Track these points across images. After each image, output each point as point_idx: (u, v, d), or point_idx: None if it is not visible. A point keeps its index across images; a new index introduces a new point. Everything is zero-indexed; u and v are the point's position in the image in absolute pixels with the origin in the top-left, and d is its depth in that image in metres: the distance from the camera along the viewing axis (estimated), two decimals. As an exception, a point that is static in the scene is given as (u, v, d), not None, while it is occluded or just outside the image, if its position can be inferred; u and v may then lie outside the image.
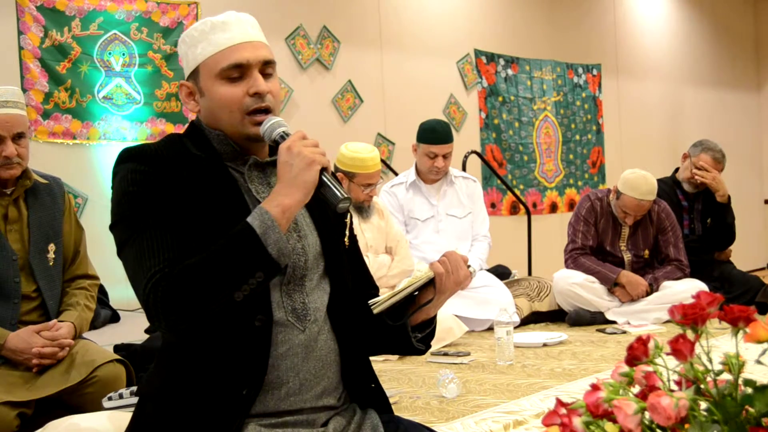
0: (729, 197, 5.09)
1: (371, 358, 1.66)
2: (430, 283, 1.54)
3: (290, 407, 1.47)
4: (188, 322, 1.37)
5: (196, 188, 1.47)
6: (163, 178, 1.45)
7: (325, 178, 1.44)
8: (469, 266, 4.56)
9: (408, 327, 1.56)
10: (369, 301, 1.51)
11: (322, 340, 1.51)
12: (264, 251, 1.36)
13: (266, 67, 1.54)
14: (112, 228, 1.48)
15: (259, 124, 1.51)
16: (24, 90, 4.58)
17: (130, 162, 1.48)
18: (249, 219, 1.38)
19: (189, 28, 1.58)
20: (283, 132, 1.50)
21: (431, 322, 1.60)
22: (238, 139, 1.54)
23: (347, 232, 1.64)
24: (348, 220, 1.66)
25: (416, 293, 1.56)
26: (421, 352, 1.60)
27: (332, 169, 1.45)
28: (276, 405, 1.46)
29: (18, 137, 2.57)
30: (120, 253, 1.47)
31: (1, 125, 2.53)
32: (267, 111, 1.52)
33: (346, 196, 1.43)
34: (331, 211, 1.57)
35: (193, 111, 1.59)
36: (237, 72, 1.51)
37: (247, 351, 1.43)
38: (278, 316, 1.47)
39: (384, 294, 1.52)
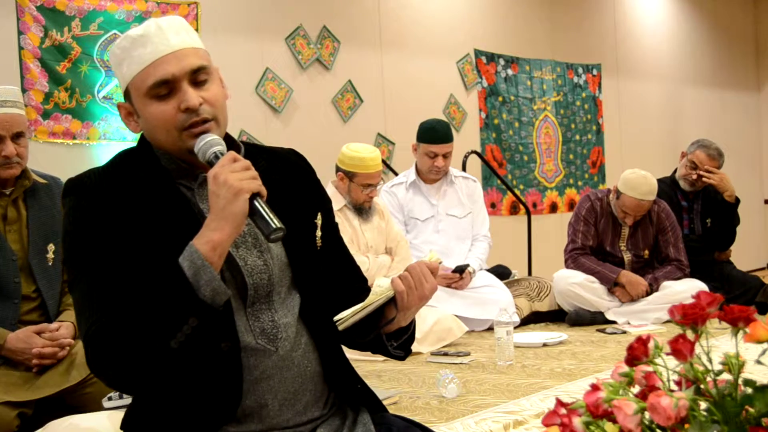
0: (737, 198, 5.09)
1: (360, 359, 1.62)
2: (393, 300, 1.46)
3: (273, 427, 1.43)
4: (125, 372, 1.33)
5: (145, 211, 1.40)
6: (102, 212, 1.38)
7: (257, 205, 1.33)
8: (467, 266, 4.56)
9: (382, 337, 1.49)
10: (334, 318, 1.45)
11: (299, 356, 1.46)
12: (194, 296, 1.29)
13: (197, 75, 1.44)
14: (63, 264, 1.47)
15: (199, 136, 1.42)
16: (24, 90, 4.57)
17: (71, 196, 1.42)
18: (180, 259, 1.31)
19: (116, 44, 1.47)
20: (217, 152, 1.39)
21: (408, 329, 1.52)
22: (182, 156, 1.45)
23: (318, 232, 1.56)
24: (318, 220, 1.57)
25: (384, 304, 1.48)
26: (401, 358, 1.55)
27: (265, 194, 1.36)
28: (258, 428, 1.42)
29: (17, 137, 2.57)
30: (71, 293, 1.43)
31: (0, 125, 2.53)
32: (206, 121, 1.42)
33: (278, 226, 1.33)
34: (300, 211, 1.51)
35: (134, 131, 1.52)
36: (164, 89, 1.41)
37: (219, 378, 1.38)
38: (247, 341, 1.41)
39: (347, 311, 1.45)
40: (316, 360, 1.49)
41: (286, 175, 1.55)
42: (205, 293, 1.29)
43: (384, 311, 1.49)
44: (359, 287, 1.60)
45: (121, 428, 1.51)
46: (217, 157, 1.38)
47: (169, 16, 1.49)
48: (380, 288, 1.45)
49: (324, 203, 1.62)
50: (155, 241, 1.37)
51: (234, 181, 1.32)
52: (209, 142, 1.41)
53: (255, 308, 1.44)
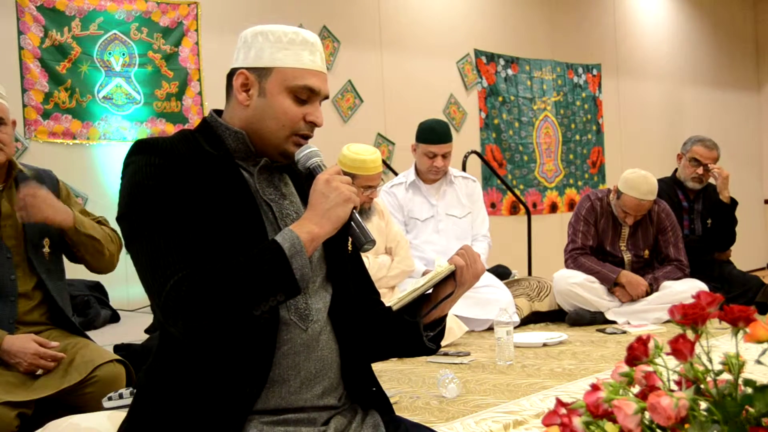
0: (734, 200, 5.09)
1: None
2: (450, 277, 1.58)
3: (291, 405, 1.47)
4: (205, 329, 1.37)
5: (208, 186, 1.47)
6: (177, 173, 1.44)
7: (356, 216, 1.49)
8: None
9: (420, 326, 1.59)
10: (392, 301, 1.55)
11: (324, 341, 1.52)
12: (290, 273, 1.38)
13: (323, 101, 1.60)
14: (120, 219, 1.45)
15: (299, 145, 1.56)
16: (24, 90, 4.58)
17: (144, 154, 1.46)
18: (279, 239, 1.40)
19: (276, 28, 1.57)
20: (320, 162, 1.56)
21: (441, 321, 1.63)
22: (268, 148, 1.56)
23: (350, 238, 1.66)
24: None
25: (431, 291, 1.60)
26: (432, 352, 1.62)
27: (358, 208, 1.49)
28: (277, 403, 1.46)
29: (0, 122, 2.57)
30: (130, 246, 1.44)
31: None
32: (307, 138, 1.58)
33: (371, 239, 1.48)
34: None
35: (240, 101, 1.56)
36: (306, 95, 1.55)
37: (252, 347, 1.44)
38: (281, 315, 1.48)
39: (404, 293, 1.57)
40: (337, 352, 1.56)
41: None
42: (297, 275, 1.39)
43: (434, 294, 1.62)
44: (375, 300, 1.69)
45: (134, 387, 1.53)
46: (318, 166, 1.55)
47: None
48: (441, 266, 1.58)
49: None
50: (216, 212, 1.45)
51: (345, 190, 1.47)
52: (313, 152, 1.57)
53: None
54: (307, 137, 1.57)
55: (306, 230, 1.42)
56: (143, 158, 1.45)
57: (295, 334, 1.48)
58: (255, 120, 1.55)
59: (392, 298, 1.56)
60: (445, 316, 1.64)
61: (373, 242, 1.48)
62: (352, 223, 1.49)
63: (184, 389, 1.43)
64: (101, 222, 2.78)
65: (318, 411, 1.51)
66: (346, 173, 3.42)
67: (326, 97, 1.61)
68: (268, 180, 1.57)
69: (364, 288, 1.70)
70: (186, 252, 1.38)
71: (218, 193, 1.47)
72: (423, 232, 4.69)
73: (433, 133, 4.57)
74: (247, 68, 1.55)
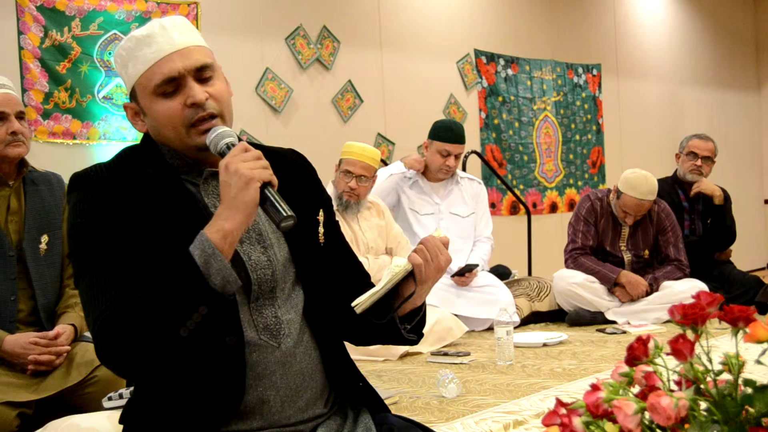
0: (725, 198, 5.10)
1: (361, 359, 1.63)
2: (411, 275, 1.48)
3: (275, 424, 1.43)
4: (135, 361, 1.32)
5: (150, 206, 1.40)
6: (109, 205, 1.38)
7: (268, 194, 1.35)
8: (476, 265, 4.53)
9: (396, 321, 1.50)
10: (351, 303, 1.45)
11: (301, 353, 1.46)
12: (205, 284, 1.29)
13: (202, 72, 1.46)
14: (68, 258, 1.46)
15: (206, 132, 1.43)
16: (24, 90, 4.58)
17: (76, 191, 1.42)
18: (191, 248, 1.31)
19: (122, 43, 1.49)
20: (229, 143, 1.41)
21: (419, 311, 1.54)
22: (189, 152, 1.47)
23: (321, 228, 1.57)
24: (320, 216, 1.58)
25: (398, 286, 1.50)
26: (414, 342, 1.55)
27: (276, 184, 1.38)
28: (260, 425, 1.42)
29: (19, 116, 2.59)
30: (76, 286, 1.42)
31: (4, 103, 2.55)
32: (212, 117, 1.44)
33: (289, 213, 1.34)
34: (302, 208, 1.50)
35: (141, 131, 1.52)
36: (171, 86, 1.43)
37: (222, 373, 1.38)
38: (250, 336, 1.41)
39: (365, 294, 1.46)
40: (318, 357, 1.49)
41: (287, 173, 1.55)
42: (216, 282, 1.30)
43: (400, 290, 1.50)
44: (363, 282, 1.60)
45: (120, 422, 1.50)
46: (228, 148, 1.40)
47: (172, 16, 1.50)
48: (398, 266, 1.48)
49: (325, 200, 1.63)
50: (161, 235, 1.38)
51: (245, 170, 1.33)
52: (221, 134, 1.42)
53: (258, 304, 1.44)
54: (203, 120, 1.43)
55: (215, 229, 1.31)
56: (75, 196, 1.42)
57: (267, 354, 1.42)
58: (159, 136, 1.48)
59: (354, 302, 1.45)
60: (422, 306, 1.53)
61: (291, 218, 1.34)
62: (264, 201, 1.34)
63: (162, 422, 1.40)
64: None
65: (302, 424, 1.46)
66: (339, 162, 3.35)
67: (202, 68, 1.45)
68: (216, 190, 1.46)
69: (349, 274, 1.60)
70: (114, 290, 1.32)
71: (162, 212, 1.40)
72: (424, 228, 4.70)
73: (451, 132, 4.65)
74: (128, 101, 1.52)
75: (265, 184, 1.35)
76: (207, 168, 1.49)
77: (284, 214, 1.34)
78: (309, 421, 1.47)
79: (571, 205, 7.64)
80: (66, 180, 2.86)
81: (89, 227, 1.38)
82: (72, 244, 1.42)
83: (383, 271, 4.13)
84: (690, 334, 0.90)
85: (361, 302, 1.45)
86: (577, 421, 0.91)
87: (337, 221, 1.67)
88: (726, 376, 0.88)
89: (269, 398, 1.42)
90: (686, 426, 0.85)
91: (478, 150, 6.78)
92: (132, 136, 5.01)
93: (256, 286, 1.44)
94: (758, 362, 0.87)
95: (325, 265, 1.56)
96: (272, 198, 1.35)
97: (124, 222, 1.37)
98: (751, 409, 0.85)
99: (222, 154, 1.40)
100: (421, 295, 1.51)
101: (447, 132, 4.65)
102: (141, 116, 1.50)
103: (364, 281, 1.61)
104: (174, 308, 1.29)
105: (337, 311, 1.53)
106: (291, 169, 1.59)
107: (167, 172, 1.47)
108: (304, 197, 1.56)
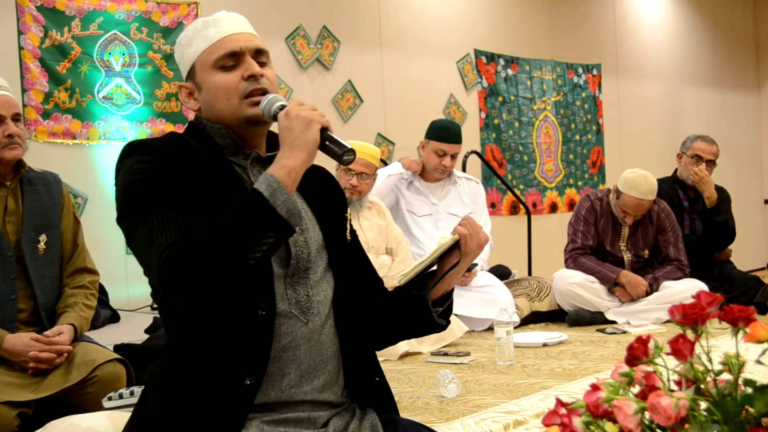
0: (723, 198, 5.10)
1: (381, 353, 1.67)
2: (454, 248, 1.57)
3: (291, 399, 1.47)
4: (205, 290, 1.36)
5: (201, 181, 1.46)
6: (168, 167, 1.45)
7: (327, 134, 1.45)
8: (475, 264, 4.51)
9: (429, 302, 1.56)
10: (395, 276, 1.53)
11: (325, 334, 1.52)
12: (273, 212, 1.35)
13: (259, 56, 1.57)
14: (119, 220, 1.46)
15: (257, 104, 1.52)
16: (24, 90, 4.58)
17: (133, 154, 1.47)
18: (255, 185, 1.38)
19: (184, 32, 1.61)
20: (281, 105, 1.50)
21: (449, 296, 1.61)
22: (238, 127, 1.55)
23: (348, 226, 1.66)
24: (348, 215, 1.68)
25: (435, 267, 1.59)
26: (442, 328, 1.60)
27: (331, 129, 1.48)
28: (277, 396, 1.46)
29: (16, 118, 2.59)
30: (130, 242, 1.45)
31: (0, 105, 2.55)
32: (264, 93, 1.53)
33: (349, 147, 1.44)
34: (331, 205, 1.59)
35: (193, 110, 1.59)
36: (231, 60, 1.54)
37: (251, 341, 1.43)
38: (282, 308, 1.47)
39: (409, 267, 1.56)
40: (338, 345, 1.55)
41: (314, 176, 1.65)
42: (282, 212, 1.36)
43: (439, 267, 1.59)
44: (377, 286, 1.67)
45: (144, 382, 1.54)
46: (281, 110, 1.48)
47: (238, 14, 1.64)
48: (444, 238, 1.57)
49: (346, 202, 1.72)
50: (212, 208, 1.43)
51: (305, 113, 1.43)
52: (273, 98, 1.52)
53: (293, 279, 1.50)
54: (256, 93, 1.53)
55: (279, 166, 1.39)
56: (133, 158, 1.47)
57: (295, 328, 1.47)
58: (210, 112, 1.56)
59: (397, 275, 1.55)
60: (452, 290, 1.62)
61: (352, 151, 1.44)
62: (324, 141, 1.44)
63: (184, 384, 1.44)
64: (84, 286, 2.75)
65: (318, 407, 1.50)
66: None
67: (260, 51, 1.58)
68: (262, 172, 1.53)
69: (366, 276, 1.68)
70: (179, 228, 1.38)
71: (211, 188, 1.46)
72: (422, 229, 4.70)
73: (447, 132, 4.64)
74: (182, 82, 1.61)
75: (324, 129, 1.44)
76: (254, 150, 1.56)
77: (347, 147, 1.44)
78: (322, 406, 1.51)
79: (571, 205, 7.65)
80: (65, 180, 2.88)
81: (149, 181, 1.43)
82: (128, 199, 1.45)
83: (383, 270, 4.17)
84: (690, 334, 0.90)
85: (406, 273, 1.55)
86: (577, 421, 0.91)
87: (354, 230, 1.73)
88: (726, 376, 0.88)
89: (290, 371, 1.46)
90: (686, 426, 0.85)
91: (478, 150, 6.78)
92: (132, 136, 5.01)
93: (294, 261, 1.50)
94: (758, 362, 0.87)
95: (351, 261, 1.64)
96: (331, 137, 1.45)
97: (180, 185, 1.44)
98: (751, 409, 0.85)
99: (275, 118, 1.49)
100: (460, 270, 1.59)
101: (443, 131, 4.64)
102: (195, 95, 1.59)
103: (379, 285, 1.68)
104: (243, 236, 1.34)
105: (361, 307, 1.60)
106: (315, 171, 1.68)
107: (216, 151, 1.54)
108: (330, 195, 1.67)
